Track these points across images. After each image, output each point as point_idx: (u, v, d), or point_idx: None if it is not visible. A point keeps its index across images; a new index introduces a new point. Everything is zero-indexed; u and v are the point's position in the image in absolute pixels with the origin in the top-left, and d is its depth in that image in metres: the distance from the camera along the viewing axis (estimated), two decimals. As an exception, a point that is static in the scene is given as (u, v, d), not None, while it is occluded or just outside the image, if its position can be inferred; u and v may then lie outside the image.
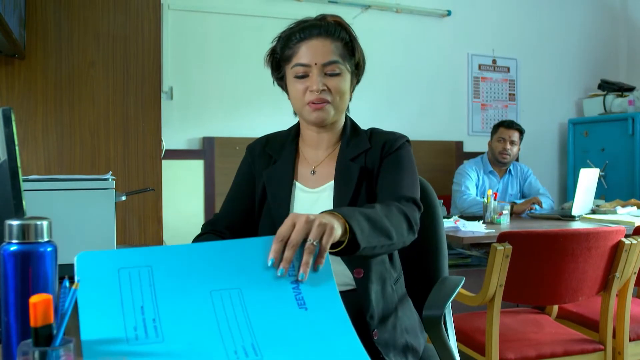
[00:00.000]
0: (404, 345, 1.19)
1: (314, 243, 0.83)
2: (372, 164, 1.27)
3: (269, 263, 0.80)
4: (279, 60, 1.28)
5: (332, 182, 1.27)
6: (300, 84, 1.22)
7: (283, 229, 0.84)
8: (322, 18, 1.29)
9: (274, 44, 1.30)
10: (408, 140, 1.34)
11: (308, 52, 1.21)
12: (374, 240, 0.98)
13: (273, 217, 1.26)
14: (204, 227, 1.39)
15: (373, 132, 1.34)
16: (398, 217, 1.09)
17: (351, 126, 1.34)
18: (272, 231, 0.88)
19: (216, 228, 1.33)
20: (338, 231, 0.88)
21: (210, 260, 0.78)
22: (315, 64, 1.21)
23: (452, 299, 1.30)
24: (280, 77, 1.31)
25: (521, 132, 3.31)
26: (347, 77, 1.26)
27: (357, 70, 1.32)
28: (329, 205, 1.24)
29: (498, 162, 3.30)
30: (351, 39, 1.28)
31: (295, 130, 1.36)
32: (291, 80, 1.25)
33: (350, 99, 1.33)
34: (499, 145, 3.28)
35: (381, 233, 1.01)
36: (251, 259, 0.80)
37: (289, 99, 1.32)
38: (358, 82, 1.35)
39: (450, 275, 1.47)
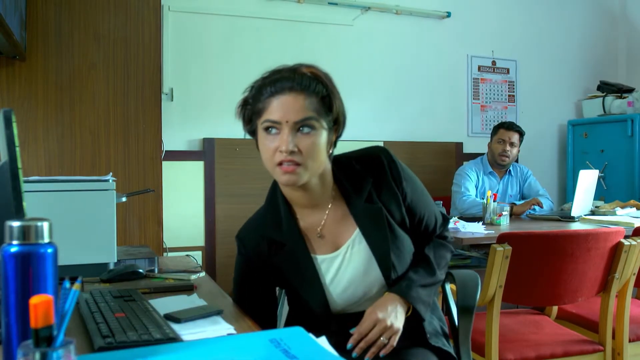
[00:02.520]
0: (443, 331, 1.36)
1: (384, 341, 1.16)
2: (389, 195, 1.24)
3: (348, 347, 1.13)
4: (250, 112, 1.17)
5: (355, 234, 1.23)
6: (270, 142, 1.12)
7: (364, 327, 1.16)
8: (297, 69, 1.15)
9: (246, 94, 1.19)
10: (382, 147, 1.31)
11: (279, 108, 1.10)
12: (431, 299, 1.27)
13: (303, 296, 1.25)
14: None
15: (354, 159, 1.27)
16: (444, 255, 1.34)
17: (339, 171, 1.25)
18: (307, 309, 1.25)
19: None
20: (401, 323, 1.19)
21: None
22: (287, 121, 1.10)
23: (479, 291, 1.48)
24: (252, 131, 1.19)
25: (521, 133, 3.31)
26: (323, 134, 1.14)
27: (336, 125, 1.19)
28: (362, 258, 1.22)
29: (497, 163, 3.30)
30: (328, 93, 1.15)
31: (280, 198, 1.24)
32: (262, 136, 1.14)
33: (332, 151, 1.21)
34: (498, 146, 3.28)
35: (435, 286, 1.29)
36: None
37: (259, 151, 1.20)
38: (339, 136, 1.22)
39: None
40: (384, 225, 1.22)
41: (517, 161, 3.60)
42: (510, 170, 3.37)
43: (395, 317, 1.17)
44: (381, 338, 1.15)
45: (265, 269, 1.26)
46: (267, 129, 1.12)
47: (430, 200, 1.35)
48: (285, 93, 1.11)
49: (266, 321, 1.28)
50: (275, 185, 1.27)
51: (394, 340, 1.16)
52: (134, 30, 2.58)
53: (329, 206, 1.24)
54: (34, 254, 0.68)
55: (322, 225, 1.24)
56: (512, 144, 3.26)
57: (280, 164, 1.11)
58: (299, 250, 1.23)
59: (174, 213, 3.11)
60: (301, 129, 1.11)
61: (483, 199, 2.83)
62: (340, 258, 1.24)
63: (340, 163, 1.26)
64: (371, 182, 1.24)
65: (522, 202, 3.16)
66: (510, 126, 3.30)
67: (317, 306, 1.23)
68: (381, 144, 3.52)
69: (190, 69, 3.24)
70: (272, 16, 3.41)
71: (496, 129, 3.34)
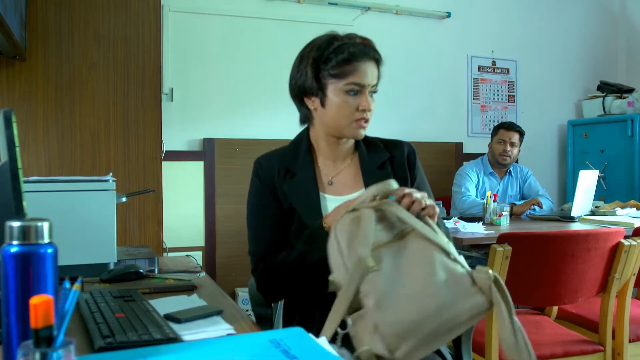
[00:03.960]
0: None
1: (427, 202, 1.09)
2: (402, 173, 1.37)
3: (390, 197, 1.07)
4: (324, 72, 1.29)
5: (361, 192, 1.27)
6: (350, 102, 1.28)
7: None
8: (368, 42, 1.34)
9: (315, 54, 1.30)
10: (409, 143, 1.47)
11: (364, 74, 1.27)
12: None
13: (305, 225, 1.27)
14: (256, 264, 1.34)
15: (382, 140, 1.44)
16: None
17: (364, 139, 1.40)
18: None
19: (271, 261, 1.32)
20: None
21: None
22: (369, 85, 1.29)
23: None
24: (315, 89, 1.30)
25: (521, 133, 3.31)
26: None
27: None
28: None
29: (498, 163, 3.30)
30: (380, 65, 1.34)
31: (306, 142, 1.39)
32: (340, 94, 1.28)
33: None
34: (499, 147, 3.28)
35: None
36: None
37: (311, 109, 1.33)
38: None
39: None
40: None
41: (517, 161, 3.60)
42: (510, 170, 3.37)
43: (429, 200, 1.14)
44: (416, 202, 1.06)
45: (275, 192, 1.34)
46: (349, 90, 1.27)
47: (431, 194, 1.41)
48: (370, 60, 1.29)
49: (277, 245, 1.31)
50: (301, 135, 1.41)
51: (432, 211, 1.07)
52: (134, 31, 2.58)
53: (347, 162, 1.39)
54: (34, 254, 0.68)
55: (335, 175, 1.37)
56: (512, 144, 3.26)
57: (358, 120, 1.29)
58: (309, 183, 1.33)
59: (174, 213, 3.11)
60: (372, 92, 1.31)
61: (483, 199, 2.84)
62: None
63: (367, 137, 1.41)
64: (388, 157, 1.38)
65: (522, 202, 3.16)
66: (511, 126, 3.30)
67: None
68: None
69: (190, 69, 3.24)
70: (272, 16, 3.41)
71: (496, 129, 3.34)
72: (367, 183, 1.32)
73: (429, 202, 1.09)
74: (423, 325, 0.91)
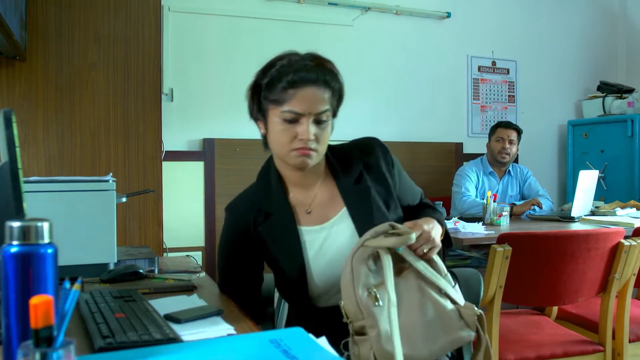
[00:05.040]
0: None
1: (424, 250, 1.16)
2: (381, 180, 1.30)
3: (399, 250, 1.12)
4: (264, 98, 1.20)
5: (342, 212, 1.27)
6: (288, 131, 1.17)
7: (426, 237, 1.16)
8: (317, 60, 1.19)
9: (259, 78, 1.21)
10: (374, 137, 1.40)
11: (304, 100, 1.15)
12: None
13: (284, 270, 1.27)
14: (223, 290, 1.34)
15: (352, 146, 1.35)
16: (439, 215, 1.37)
17: (332, 154, 1.31)
18: (287, 285, 1.26)
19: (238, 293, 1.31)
20: (439, 242, 1.21)
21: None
22: (309, 113, 1.16)
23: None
24: (258, 115, 1.24)
25: (519, 131, 3.31)
26: (331, 122, 1.23)
27: (338, 107, 1.27)
28: (346, 236, 1.25)
29: (497, 162, 3.30)
30: (340, 87, 1.23)
31: (274, 174, 1.30)
32: (277, 122, 1.18)
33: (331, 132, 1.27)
34: (497, 145, 3.28)
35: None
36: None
37: (262, 134, 1.26)
38: (336, 115, 1.29)
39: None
40: (369, 204, 1.25)
41: (517, 162, 3.60)
42: (510, 170, 3.37)
43: (436, 234, 1.20)
44: (423, 247, 1.15)
45: (248, 241, 1.28)
46: (285, 118, 1.17)
47: (416, 188, 1.43)
48: (308, 86, 1.15)
49: (248, 297, 1.30)
50: (268, 163, 1.33)
51: (433, 253, 1.17)
52: (134, 31, 2.58)
53: (319, 185, 1.30)
54: (34, 255, 0.68)
55: (311, 202, 1.29)
56: (511, 142, 3.27)
57: (298, 148, 1.18)
58: (286, 221, 1.26)
59: (174, 213, 3.11)
60: (319, 119, 1.18)
61: (483, 199, 2.83)
62: (325, 232, 1.27)
63: (334, 147, 1.33)
64: (362, 164, 1.30)
65: (522, 202, 3.16)
66: (509, 124, 3.32)
67: (295, 282, 1.26)
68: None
69: (190, 69, 3.24)
70: (272, 16, 3.41)
71: (494, 128, 3.35)
72: (348, 201, 1.27)
73: (429, 247, 1.16)
74: (415, 356, 1.06)
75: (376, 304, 1.06)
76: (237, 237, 1.30)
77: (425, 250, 1.16)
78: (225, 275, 1.35)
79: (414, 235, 1.11)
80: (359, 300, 1.07)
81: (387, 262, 1.10)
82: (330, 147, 1.30)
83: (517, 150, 3.34)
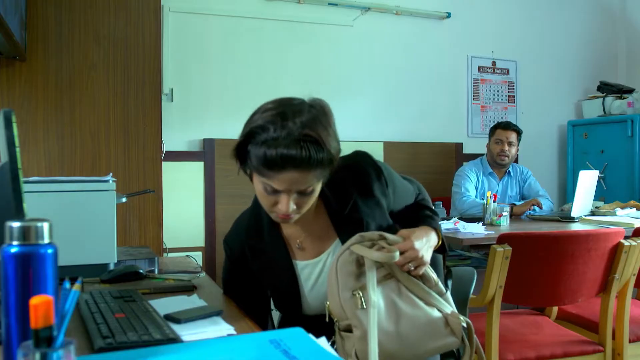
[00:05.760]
0: None
1: (411, 267, 1.17)
2: (374, 203, 1.26)
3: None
4: (248, 162, 1.10)
5: (335, 243, 1.26)
6: (268, 197, 1.11)
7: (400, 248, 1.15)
8: (305, 134, 1.05)
9: (244, 139, 1.10)
10: (365, 153, 1.30)
11: (284, 182, 1.07)
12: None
13: (279, 298, 1.30)
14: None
15: (342, 171, 1.21)
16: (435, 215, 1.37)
17: (326, 186, 1.20)
18: (281, 305, 1.30)
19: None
20: (430, 257, 1.21)
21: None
22: (290, 191, 1.09)
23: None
24: (245, 171, 1.15)
25: (518, 132, 3.31)
26: (320, 184, 1.15)
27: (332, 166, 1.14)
28: None
29: (497, 163, 3.30)
30: (331, 157, 1.09)
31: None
32: (259, 186, 1.12)
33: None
34: (496, 147, 3.28)
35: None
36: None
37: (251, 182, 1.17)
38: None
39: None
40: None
41: (517, 162, 3.60)
42: (509, 170, 3.37)
43: (427, 250, 1.21)
44: (410, 264, 1.16)
45: (250, 272, 1.30)
46: (264, 188, 1.10)
47: (410, 190, 1.41)
48: (290, 170, 1.05)
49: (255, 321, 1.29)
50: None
51: (420, 271, 1.18)
52: (134, 31, 2.58)
53: (312, 217, 1.24)
54: (34, 255, 0.68)
55: (303, 237, 1.27)
56: (510, 143, 3.26)
57: (278, 214, 1.13)
58: (280, 257, 1.26)
59: (174, 214, 3.11)
60: (302, 192, 1.11)
61: (483, 199, 2.83)
62: (321, 264, 1.27)
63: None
64: (355, 193, 1.24)
65: (522, 202, 3.16)
66: (507, 125, 3.31)
67: (289, 306, 1.29)
68: (381, 145, 3.57)
69: (190, 69, 3.24)
70: (272, 17, 3.41)
71: (493, 129, 3.35)
72: (340, 233, 1.24)
73: (415, 264, 1.17)
74: (398, 357, 1.10)
75: (359, 306, 1.10)
76: (238, 268, 1.31)
77: (411, 268, 1.17)
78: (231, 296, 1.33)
79: (397, 254, 1.12)
80: (343, 302, 1.11)
81: (370, 266, 1.12)
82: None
83: (517, 151, 3.34)
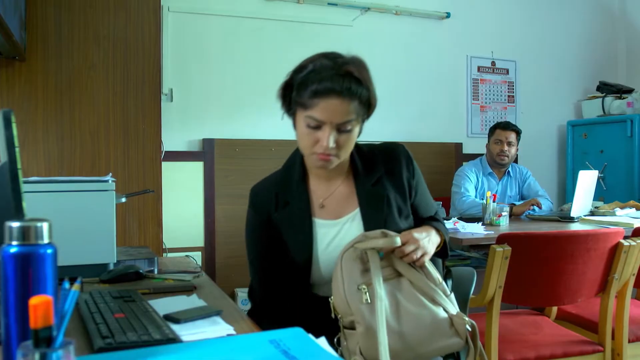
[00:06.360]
0: None
1: (415, 256, 1.19)
2: (399, 186, 1.33)
3: (380, 254, 1.16)
4: (292, 99, 1.22)
5: (355, 212, 1.30)
6: (310, 135, 1.20)
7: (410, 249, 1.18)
8: (345, 68, 1.18)
9: (290, 79, 1.23)
10: (403, 145, 1.41)
11: (325, 110, 1.16)
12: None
13: (292, 256, 1.29)
14: (250, 294, 1.40)
15: (378, 150, 1.36)
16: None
17: (357, 154, 1.34)
18: (290, 270, 1.27)
19: (270, 299, 1.35)
20: (432, 249, 1.25)
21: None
22: (331, 122, 1.17)
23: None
24: (289, 111, 1.27)
25: (518, 132, 3.31)
26: (358, 127, 1.24)
27: (369, 113, 1.27)
28: (356, 234, 1.26)
29: (496, 163, 3.30)
30: (369, 94, 1.22)
31: (299, 164, 1.33)
32: (302, 125, 1.21)
33: (360, 134, 1.29)
34: (496, 147, 3.28)
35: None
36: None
37: (294, 129, 1.28)
38: (368, 119, 1.30)
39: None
40: (382, 210, 1.28)
41: (516, 162, 3.60)
42: (509, 170, 3.37)
43: (429, 241, 1.24)
44: (412, 253, 1.18)
45: (270, 225, 1.32)
46: (308, 124, 1.19)
47: (432, 202, 1.45)
48: (332, 97, 1.15)
49: (272, 278, 1.33)
50: (295, 153, 1.36)
51: (423, 260, 1.21)
52: (134, 31, 2.57)
53: (340, 181, 1.33)
54: (33, 255, 0.68)
55: (328, 196, 1.32)
56: (509, 143, 3.27)
57: (317, 153, 1.21)
58: (302, 210, 1.30)
59: (174, 214, 3.11)
60: (342, 128, 1.19)
61: (483, 199, 2.83)
62: (338, 227, 1.30)
63: (360, 148, 1.36)
64: (383, 170, 1.32)
65: (521, 202, 3.16)
66: (507, 126, 3.31)
67: (299, 269, 1.29)
68: (381, 145, 3.56)
69: (189, 69, 3.24)
70: (271, 17, 3.41)
71: (492, 129, 3.35)
72: (362, 202, 1.30)
73: (420, 253, 1.19)
74: (401, 356, 1.09)
75: (364, 301, 1.10)
76: (259, 220, 1.33)
77: (417, 256, 1.19)
78: (252, 264, 1.37)
79: (398, 239, 1.15)
80: (347, 296, 1.12)
81: (375, 260, 1.14)
82: (356, 146, 1.33)
83: (517, 150, 3.34)
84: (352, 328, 1.13)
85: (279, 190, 1.32)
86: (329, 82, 1.15)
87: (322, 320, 1.17)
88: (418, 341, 1.12)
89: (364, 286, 1.12)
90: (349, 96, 1.16)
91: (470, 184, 3.24)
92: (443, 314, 1.16)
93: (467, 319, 1.15)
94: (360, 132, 1.27)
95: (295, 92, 1.20)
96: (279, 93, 1.26)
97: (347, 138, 1.21)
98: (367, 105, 1.23)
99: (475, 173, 3.31)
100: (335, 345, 1.15)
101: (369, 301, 1.10)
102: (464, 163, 3.52)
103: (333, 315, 1.17)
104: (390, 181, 1.32)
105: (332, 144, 1.17)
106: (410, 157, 1.37)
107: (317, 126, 1.18)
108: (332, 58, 1.20)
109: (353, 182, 1.33)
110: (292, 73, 1.23)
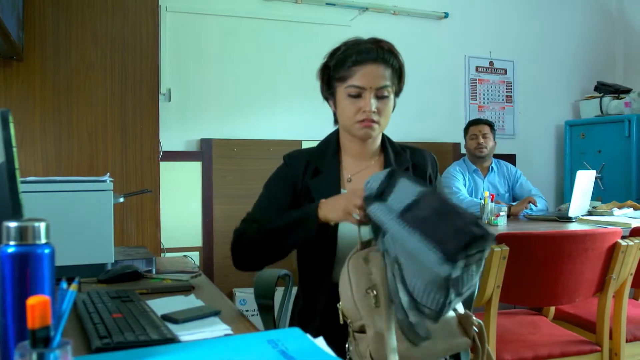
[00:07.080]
0: None
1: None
2: (423, 176, 1.46)
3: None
4: (329, 77, 1.37)
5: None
6: (352, 104, 1.34)
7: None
8: (377, 42, 1.36)
9: (327, 60, 1.38)
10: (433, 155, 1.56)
11: (364, 76, 1.32)
12: None
13: (321, 229, 1.31)
14: (242, 222, 1.44)
15: (408, 148, 1.51)
16: None
17: (389, 141, 1.49)
18: (316, 242, 1.30)
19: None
20: None
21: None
22: (370, 87, 1.32)
23: None
24: (329, 94, 1.40)
25: (491, 126, 3.42)
26: (392, 98, 1.39)
27: (400, 86, 1.44)
28: None
29: (477, 157, 3.37)
30: (400, 66, 1.39)
31: (335, 141, 1.46)
32: (343, 97, 1.35)
33: (394, 109, 1.44)
34: (472, 142, 3.39)
35: None
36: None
37: (333, 111, 1.43)
38: (398, 96, 1.46)
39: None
40: None
41: (514, 163, 3.61)
42: (492, 166, 3.42)
43: None
44: None
45: (294, 189, 1.40)
46: (350, 93, 1.33)
47: None
48: (370, 63, 1.32)
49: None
50: (334, 133, 1.48)
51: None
52: (132, 31, 2.57)
53: (371, 162, 1.45)
54: (31, 255, 0.68)
55: (356, 173, 1.42)
56: (484, 136, 3.36)
57: (361, 120, 1.33)
58: (332, 178, 1.40)
59: (172, 214, 3.10)
60: (379, 94, 1.33)
61: (481, 199, 2.84)
62: None
63: (393, 141, 1.52)
64: (411, 164, 1.46)
65: (516, 202, 3.17)
66: (478, 121, 3.45)
67: (325, 240, 1.33)
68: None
69: (187, 69, 3.24)
70: (269, 17, 3.41)
71: (466, 128, 3.49)
72: None
73: None
74: (410, 355, 1.08)
75: (373, 304, 1.09)
76: (286, 179, 1.42)
77: None
78: (261, 207, 1.43)
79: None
80: (357, 301, 1.11)
81: (379, 262, 1.13)
82: (389, 138, 1.49)
83: (495, 143, 3.41)
84: (363, 332, 1.12)
85: (312, 160, 1.42)
86: (365, 52, 1.31)
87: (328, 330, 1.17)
88: (427, 342, 1.11)
89: (372, 290, 1.11)
90: (384, 63, 1.33)
91: (460, 183, 3.28)
92: (451, 313, 1.16)
93: (475, 318, 1.15)
94: (394, 107, 1.42)
95: (333, 69, 1.35)
96: (317, 75, 1.41)
97: (385, 105, 1.35)
98: (399, 77, 1.39)
99: (461, 172, 3.35)
100: (347, 348, 1.14)
101: (378, 305, 1.10)
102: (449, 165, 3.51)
103: (342, 321, 1.16)
104: (415, 173, 1.45)
105: (374, 108, 1.31)
106: (435, 161, 1.53)
107: (358, 94, 1.32)
108: (361, 38, 1.37)
109: (382, 166, 1.43)
110: (327, 56, 1.38)
